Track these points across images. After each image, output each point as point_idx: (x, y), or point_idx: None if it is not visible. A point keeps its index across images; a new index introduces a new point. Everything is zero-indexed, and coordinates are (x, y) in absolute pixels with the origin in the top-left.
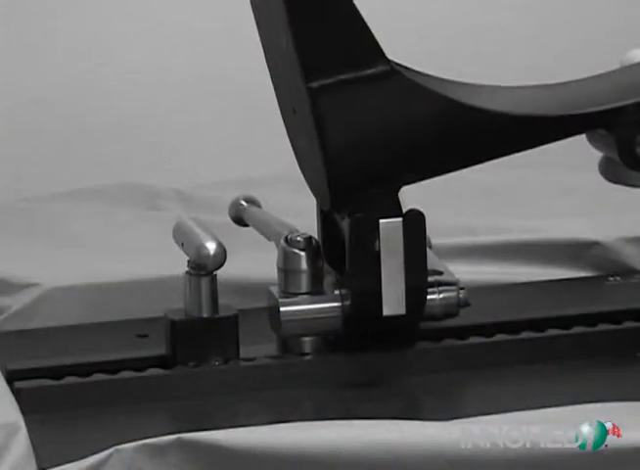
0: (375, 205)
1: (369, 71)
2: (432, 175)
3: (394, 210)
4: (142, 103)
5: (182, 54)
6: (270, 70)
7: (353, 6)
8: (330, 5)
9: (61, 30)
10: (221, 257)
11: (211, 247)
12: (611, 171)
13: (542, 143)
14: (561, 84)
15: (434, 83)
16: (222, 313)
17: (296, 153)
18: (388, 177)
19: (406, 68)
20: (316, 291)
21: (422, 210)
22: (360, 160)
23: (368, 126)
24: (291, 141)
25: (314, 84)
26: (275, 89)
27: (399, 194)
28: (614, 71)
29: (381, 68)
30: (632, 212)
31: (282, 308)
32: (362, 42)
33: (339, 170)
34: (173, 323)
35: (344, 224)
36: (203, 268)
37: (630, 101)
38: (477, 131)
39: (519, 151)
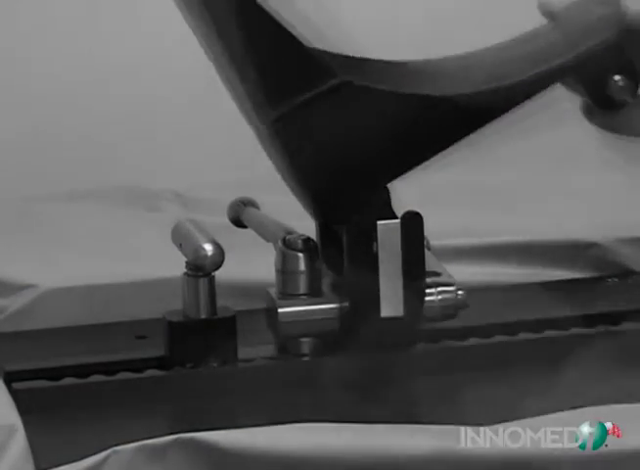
0: (363, 208)
1: (320, 89)
2: (408, 169)
3: (387, 212)
4: (141, 104)
5: (181, 55)
6: (235, 103)
7: (288, 32)
8: (266, 37)
9: (60, 30)
10: (219, 258)
11: (209, 248)
12: (593, 115)
13: (516, 105)
14: (513, 40)
15: (389, 73)
16: (220, 315)
17: (279, 173)
18: (366, 181)
19: (356, 59)
20: (314, 292)
21: (420, 211)
22: (334, 172)
23: (333, 139)
24: (272, 163)
25: (271, 116)
26: (246, 120)
27: (397, 195)
28: (562, 15)
29: (330, 82)
30: (630, 214)
31: (280, 310)
32: (306, 64)
33: (315, 187)
34: (171, 324)
35: (342, 226)
36: (200, 269)
37: (589, 44)
38: (442, 117)
39: (492, 120)
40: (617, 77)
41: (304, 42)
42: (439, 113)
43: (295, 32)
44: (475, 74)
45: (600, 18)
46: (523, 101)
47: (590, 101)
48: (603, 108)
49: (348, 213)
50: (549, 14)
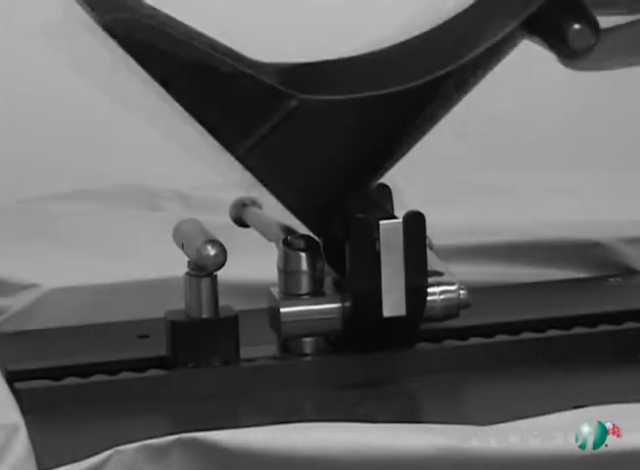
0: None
1: (280, 115)
2: (388, 166)
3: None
4: (142, 103)
5: None
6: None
7: (234, 67)
8: (210, 81)
9: (60, 28)
10: (221, 257)
11: (212, 248)
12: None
13: (480, 78)
14: (463, 12)
15: (341, 80)
16: (222, 314)
17: None
18: (350, 185)
19: (299, 65)
20: (316, 292)
21: (423, 210)
22: (314, 189)
23: (304, 158)
24: None
25: (240, 152)
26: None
27: (399, 195)
28: None
29: (287, 105)
30: (632, 213)
31: (282, 309)
32: (258, 95)
33: (302, 207)
34: (173, 324)
35: (345, 225)
36: (203, 269)
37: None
38: (407, 109)
39: (462, 96)
40: (575, 25)
41: (248, 70)
42: (404, 103)
43: (237, 65)
44: (433, 54)
45: None
46: (488, 69)
47: (555, 54)
48: (567, 57)
49: (345, 226)
50: None
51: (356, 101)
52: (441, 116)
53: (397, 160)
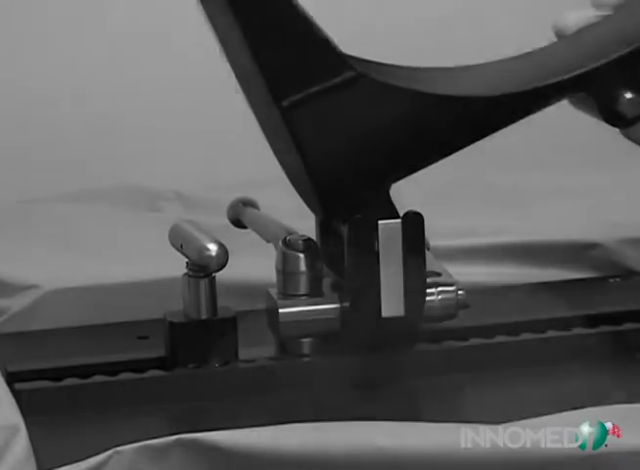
0: (368, 206)
1: (336, 80)
2: (416, 169)
3: (388, 210)
4: (143, 104)
5: (183, 56)
6: (241, 87)
7: (309, 20)
8: (287, 23)
9: (61, 29)
10: (223, 257)
11: (213, 248)
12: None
13: (523, 117)
14: (527, 54)
15: (402, 76)
16: (221, 315)
17: (281, 165)
18: (374, 178)
19: (373, 63)
20: (315, 292)
21: (420, 211)
22: (343, 166)
23: (344, 133)
24: (275, 154)
25: (284, 103)
26: (251, 106)
27: (398, 195)
28: (575, 34)
29: (347, 74)
30: (633, 214)
31: (280, 310)
32: (324, 54)
33: (323, 180)
34: (172, 325)
35: (343, 226)
36: (204, 269)
37: (603, 61)
38: (453, 119)
39: (501, 129)
40: (628, 94)
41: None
42: (452, 113)
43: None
44: (490, 80)
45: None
46: (528, 113)
47: (601, 119)
48: (615, 126)
49: (351, 209)
50: (562, 36)
51: (411, 95)
52: (480, 136)
53: (425, 166)
